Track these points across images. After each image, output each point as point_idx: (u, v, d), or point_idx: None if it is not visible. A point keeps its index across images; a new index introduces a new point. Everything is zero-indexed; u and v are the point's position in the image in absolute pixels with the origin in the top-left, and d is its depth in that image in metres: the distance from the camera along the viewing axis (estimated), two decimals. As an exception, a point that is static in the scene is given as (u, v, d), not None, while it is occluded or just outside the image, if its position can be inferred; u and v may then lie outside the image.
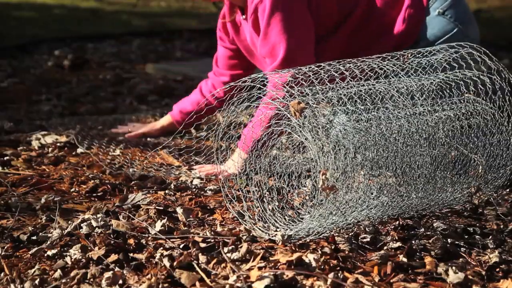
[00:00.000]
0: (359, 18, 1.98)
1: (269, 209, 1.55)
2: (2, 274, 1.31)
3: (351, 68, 1.52)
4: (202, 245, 1.40)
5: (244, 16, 2.05)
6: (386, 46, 1.94)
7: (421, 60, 1.62)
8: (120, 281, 1.26)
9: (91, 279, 1.28)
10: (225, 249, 1.37)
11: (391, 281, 1.26)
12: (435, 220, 1.54)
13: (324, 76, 1.48)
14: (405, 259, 1.33)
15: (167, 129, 2.35)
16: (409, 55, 1.62)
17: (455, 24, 1.97)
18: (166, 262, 1.32)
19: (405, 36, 1.97)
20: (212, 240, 1.42)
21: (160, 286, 1.24)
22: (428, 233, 1.46)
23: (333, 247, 1.38)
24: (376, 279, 1.26)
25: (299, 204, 1.65)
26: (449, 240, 1.41)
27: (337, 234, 1.42)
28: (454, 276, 1.26)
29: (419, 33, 1.97)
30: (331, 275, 1.24)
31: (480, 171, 1.53)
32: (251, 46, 2.11)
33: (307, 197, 1.67)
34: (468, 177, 1.55)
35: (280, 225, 1.48)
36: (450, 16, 1.98)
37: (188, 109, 2.30)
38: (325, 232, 1.38)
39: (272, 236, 1.42)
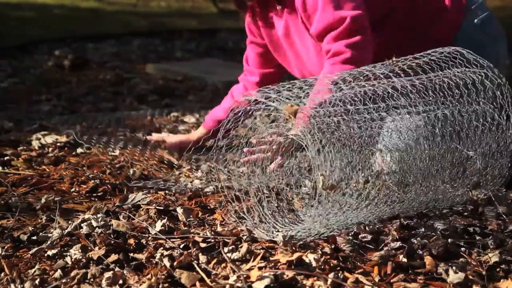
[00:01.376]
0: (401, 17, 1.95)
1: (269, 211, 1.54)
2: (2, 274, 1.31)
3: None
4: (202, 245, 1.40)
5: (280, 7, 1.98)
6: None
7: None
8: (120, 281, 1.26)
9: (91, 279, 1.28)
10: (225, 249, 1.37)
11: (391, 281, 1.26)
12: (435, 220, 1.54)
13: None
14: (405, 259, 1.33)
15: (203, 139, 2.29)
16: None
17: (489, 37, 1.95)
18: (166, 262, 1.32)
19: (440, 39, 1.92)
20: (212, 240, 1.42)
21: (160, 286, 1.24)
22: (428, 233, 1.46)
23: (333, 247, 1.38)
24: (376, 279, 1.26)
25: (299, 203, 1.64)
26: (449, 240, 1.41)
27: (337, 234, 1.42)
28: (454, 276, 1.26)
29: (455, 38, 1.94)
30: (331, 275, 1.24)
31: (478, 166, 1.53)
32: (282, 39, 2.03)
33: (306, 197, 1.67)
34: (466, 174, 1.54)
35: (281, 226, 1.48)
36: (486, 29, 1.96)
37: (221, 117, 2.19)
38: (326, 232, 1.38)
39: (273, 237, 1.42)
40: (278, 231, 1.44)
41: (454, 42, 1.92)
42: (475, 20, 1.96)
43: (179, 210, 1.60)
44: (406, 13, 1.95)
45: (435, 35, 1.95)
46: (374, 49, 1.85)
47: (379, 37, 1.92)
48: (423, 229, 1.48)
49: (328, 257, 1.33)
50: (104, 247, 1.40)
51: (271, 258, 1.34)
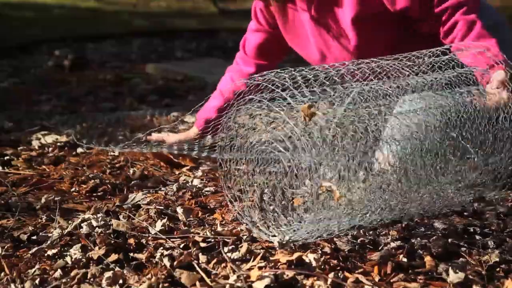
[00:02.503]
0: None
1: (270, 211, 1.54)
2: (2, 274, 1.31)
3: (363, 68, 1.49)
4: (202, 245, 1.40)
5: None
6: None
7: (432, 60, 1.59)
8: (120, 281, 1.26)
9: (91, 279, 1.28)
10: (225, 249, 1.37)
11: (391, 281, 1.26)
12: (435, 220, 1.54)
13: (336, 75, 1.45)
14: (405, 259, 1.33)
15: (199, 137, 2.28)
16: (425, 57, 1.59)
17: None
18: (166, 262, 1.32)
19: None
20: (212, 240, 1.42)
21: (160, 286, 1.24)
22: (428, 232, 1.46)
23: (333, 247, 1.38)
24: (376, 279, 1.26)
25: (299, 202, 1.63)
26: (449, 240, 1.41)
27: (337, 235, 1.41)
28: (454, 276, 1.26)
29: None
30: (331, 275, 1.24)
31: (475, 163, 1.51)
32: (308, 24, 1.93)
33: (306, 197, 1.66)
34: (463, 168, 1.51)
35: (280, 226, 1.47)
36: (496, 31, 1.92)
37: (212, 117, 2.13)
38: (324, 235, 1.37)
39: (270, 238, 1.41)
40: (274, 235, 1.43)
41: None
42: (488, 22, 1.93)
43: (179, 210, 1.60)
44: None
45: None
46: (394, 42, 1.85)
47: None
48: (423, 229, 1.48)
49: (328, 257, 1.33)
50: (104, 247, 1.40)
51: (271, 258, 1.34)
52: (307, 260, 1.30)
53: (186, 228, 1.52)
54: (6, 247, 1.43)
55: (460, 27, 1.72)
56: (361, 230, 1.45)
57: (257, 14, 2.09)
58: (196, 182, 1.89)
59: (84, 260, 1.35)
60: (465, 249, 1.39)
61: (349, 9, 1.83)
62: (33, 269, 1.33)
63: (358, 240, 1.42)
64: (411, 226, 1.50)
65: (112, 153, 2.17)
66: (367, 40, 1.87)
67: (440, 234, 1.44)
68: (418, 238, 1.42)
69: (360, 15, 1.83)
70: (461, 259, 1.36)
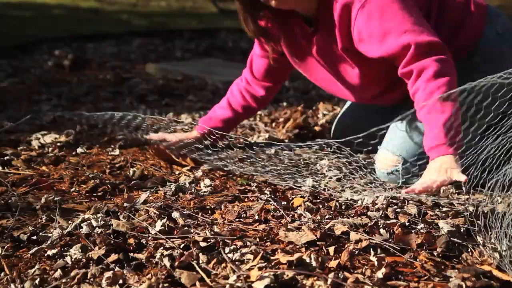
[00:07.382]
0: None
1: None
2: (2, 274, 1.31)
3: None
4: (202, 244, 1.40)
5: (313, 28, 1.91)
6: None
7: None
8: (120, 281, 1.26)
9: (91, 279, 1.28)
10: (225, 249, 1.37)
11: (391, 281, 1.26)
12: (436, 220, 1.54)
13: None
14: (405, 259, 1.32)
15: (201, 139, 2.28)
16: None
17: (510, 48, 1.92)
18: (166, 262, 1.32)
19: (462, 46, 1.91)
20: (212, 240, 1.42)
21: (160, 286, 1.24)
22: (429, 232, 1.46)
23: (334, 248, 1.38)
24: (376, 279, 1.26)
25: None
26: (450, 240, 1.41)
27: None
28: (455, 276, 1.25)
29: (476, 46, 1.91)
30: (331, 275, 1.24)
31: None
32: (318, 59, 1.97)
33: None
34: None
35: None
36: (508, 40, 1.92)
37: (219, 126, 2.21)
38: None
39: None
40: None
41: (475, 50, 1.91)
42: (497, 30, 1.92)
43: (179, 210, 1.60)
44: (437, 18, 1.90)
45: (459, 42, 1.90)
46: None
47: None
48: (423, 228, 1.48)
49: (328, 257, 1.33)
50: (104, 247, 1.40)
51: (271, 258, 1.34)
52: (307, 260, 1.30)
53: (186, 228, 1.52)
54: (6, 247, 1.43)
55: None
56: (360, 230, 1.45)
57: (262, 42, 2.11)
58: (196, 182, 1.89)
59: (84, 260, 1.35)
60: (466, 249, 1.39)
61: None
62: (33, 269, 1.33)
63: (358, 244, 1.42)
64: (411, 226, 1.50)
65: (112, 153, 2.17)
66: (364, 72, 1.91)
67: (441, 234, 1.44)
68: (419, 238, 1.42)
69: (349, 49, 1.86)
70: (462, 259, 1.35)
